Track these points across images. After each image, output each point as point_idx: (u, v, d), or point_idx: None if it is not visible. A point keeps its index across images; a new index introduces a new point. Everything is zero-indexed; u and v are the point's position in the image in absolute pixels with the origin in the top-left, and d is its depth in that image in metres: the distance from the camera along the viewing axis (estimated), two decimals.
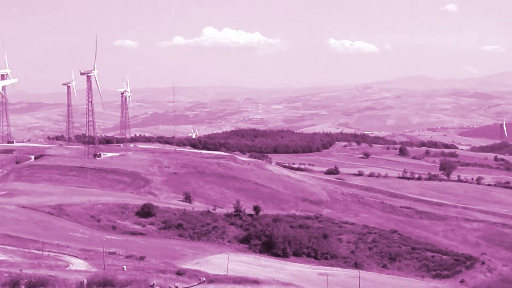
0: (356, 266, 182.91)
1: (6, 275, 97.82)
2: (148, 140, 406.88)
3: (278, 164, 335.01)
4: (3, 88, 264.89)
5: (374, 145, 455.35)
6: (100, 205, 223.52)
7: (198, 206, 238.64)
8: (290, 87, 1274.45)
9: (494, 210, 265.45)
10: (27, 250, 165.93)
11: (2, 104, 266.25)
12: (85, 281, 61.14)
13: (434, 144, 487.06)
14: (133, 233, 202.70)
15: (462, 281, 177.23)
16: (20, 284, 56.96)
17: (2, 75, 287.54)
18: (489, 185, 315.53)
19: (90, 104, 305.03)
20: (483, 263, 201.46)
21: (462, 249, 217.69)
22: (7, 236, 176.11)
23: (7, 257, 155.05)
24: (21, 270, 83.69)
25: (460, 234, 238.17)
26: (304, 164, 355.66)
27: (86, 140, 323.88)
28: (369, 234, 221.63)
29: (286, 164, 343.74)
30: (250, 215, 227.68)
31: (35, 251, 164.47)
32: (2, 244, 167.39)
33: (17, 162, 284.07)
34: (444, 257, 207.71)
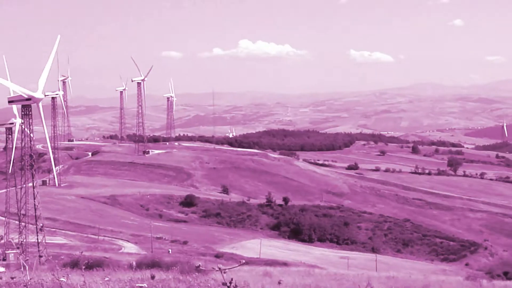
0: (373, 250, 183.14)
1: (63, 257, 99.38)
2: (190, 139, 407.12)
3: (304, 160, 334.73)
4: (64, 93, 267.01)
5: (389, 144, 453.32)
6: (148, 196, 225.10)
7: (234, 197, 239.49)
8: (315, 93, 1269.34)
9: (495, 202, 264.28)
10: (85, 235, 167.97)
11: (63, 107, 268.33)
12: (134, 263, 62.20)
13: (442, 143, 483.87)
14: (177, 221, 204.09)
15: (467, 264, 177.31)
16: (80, 264, 58.03)
17: (64, 81, 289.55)
18: (491, 179, 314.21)
19: (140, 107, 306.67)
20: (485, 248, 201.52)
21: (467, 236, 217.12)
22: (68, 223, 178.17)
23: (68, 240, 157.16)
24: (81, 252, 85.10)
25: (465, 223, 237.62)
26: (327, 161, 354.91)
27: (136, 139, 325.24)
28: (385, 223, 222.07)
29: (312, 161, 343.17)
30: (280, 205, 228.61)
31: (92, 236, 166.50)
32: (63, 230, 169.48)
33: (76, 158, 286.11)
34: (451, 243, 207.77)
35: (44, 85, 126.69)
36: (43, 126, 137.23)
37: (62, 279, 19.26)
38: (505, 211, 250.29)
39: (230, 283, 10.38)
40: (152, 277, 26.12)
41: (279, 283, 27.07)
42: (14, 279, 14.27)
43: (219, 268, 10.88)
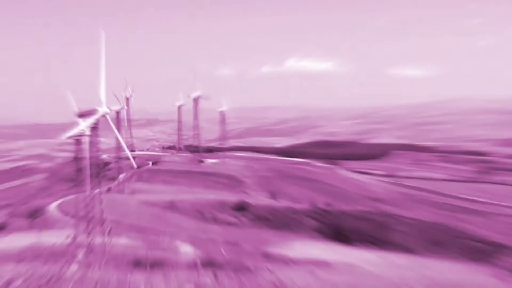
0: (409, 251, 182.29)
1: (127, 256, 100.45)
2: (242, 149, 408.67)
3: (346, 168, 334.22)
4: (128, 108, 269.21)
5: (423, 153, 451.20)
6: (204, 201, 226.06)
7: (281, 202, 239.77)
8: (355, 106, 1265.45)
9: None
10: (146, 237, 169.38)
11: (126, 121, 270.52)
12: (196, 261, 62.86)
13: (474, 153, 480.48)
14: (230, 224, 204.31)
15: (497, 265, 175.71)
16: (142, 263, 58.83)
17: (127, 98, 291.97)
18: None
19: (196, 120, 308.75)
20: None
21: (497, 238, 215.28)
22: (131, 225, 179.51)
23: (132, 241, 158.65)
24: (147, 252, 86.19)
25: (496, 227, 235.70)
26: (366, 169, 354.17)
27: (193, 149, 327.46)
28: (420, 226, 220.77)
29: (353, 169, 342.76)
30: (324, 209, 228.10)
31: (153, 237, 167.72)
32: (128, 232, 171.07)
33: (138, 167, 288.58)
34: (482, 244, 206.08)
35: (105, 100, 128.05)
36: (115, 134, 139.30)
37: (127, 277, 19.62)
38: None
39: (280, 285, 10.63)
40: (214, 275, 26.41)
41: (322, 280, 27.21)
42: (84, 277, 14.63)
43: (268, 269, 11.08)
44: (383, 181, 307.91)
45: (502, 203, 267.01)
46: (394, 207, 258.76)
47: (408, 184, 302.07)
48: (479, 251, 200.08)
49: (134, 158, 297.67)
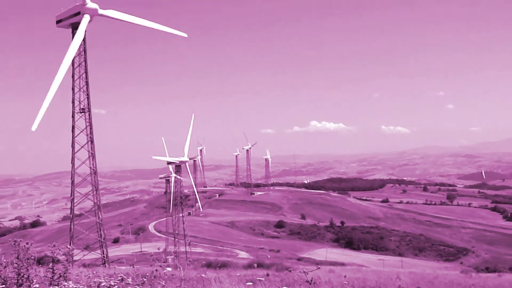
0: (400, 255, 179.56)
1: (201, 260, 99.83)
2: (280, 185, 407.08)
3: (354, 197, 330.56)
4: (201, 157, 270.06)
5: (408, 185, 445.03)
6: (254, 221, 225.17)
7: (308, 221, 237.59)
8: (359, 153, 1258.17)
9: (478, 222, 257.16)
10: (215, 246, 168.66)
11: (201, 166, 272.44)
12: (252, 264, 62.40)
13: (443, 184, 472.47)
14: (273, 237, 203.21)
15: (461, 263, 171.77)
16: (212, 265, 58.32)
17: (201, 150, 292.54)
18: (475, 207, 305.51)
19: (248, 165, 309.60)
20: (473, 252, 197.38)
21: (461, 244, 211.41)
22: (204, 239, 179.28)
23: (204, 250, 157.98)
24: (215, 257, 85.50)
25: (459, 236, 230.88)
26: (368, 197, 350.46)
27: (246, 185, 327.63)
28: (407, 236, 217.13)
29: (358, 197, 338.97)
30: (338, 226, 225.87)
31: (219, 247, 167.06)
32: (201, 243, 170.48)
33: (209, 198, 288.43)
34: (450, 249, 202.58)
35: (188, 153, 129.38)
36: (190, 178, 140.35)
37: (202, 275, 19.50)
38: (485, 227, 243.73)
39: (311, 280, 10.39)
40: (267, 274, 26.21)
41: (345, 276, 26.83)
42: (174, 275, 14.53)
43: (303, 271, 10.86)
44: (380, 205, 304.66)
45: (463, 219, 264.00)
46: (388, 223, 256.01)
47: (398, 207, 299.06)
48: (449, 253, 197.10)
49: (206, 191, 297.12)
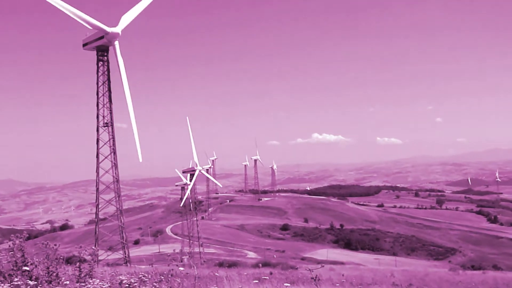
0: (394, 254, 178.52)
1: (214, 260, 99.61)
2: (285, 191, 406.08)
3: (352, 202, 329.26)
4: (213, 166, 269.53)
5: (401, 191, 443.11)
6: (262, 224, 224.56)
7: (311, 224, 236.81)
8: (357, 162, 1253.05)
9: (465, 224, 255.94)
10: (226, 247, 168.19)
11: (212, 174, 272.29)
12: (259, 264, 62.07)
13: (432, 190, 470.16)
14: (278, 239, 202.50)
15: (449, 261, 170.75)
16: (224, 264, 58.15)
17: (213, 160, 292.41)
18: (462, 211, 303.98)
19: (256, 173, 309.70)
20: (460, 252, 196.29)
21: (449, 244, 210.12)
22: (216, 241, 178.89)
23: (216, 251, 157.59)
24: (226, 257, 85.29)
25: (448, 237, 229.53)
26: (365, 202, 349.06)
27: (254, 191, 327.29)
28: (400, 238, 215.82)
29: (356, 202, 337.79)
30: (338, 228, 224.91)
31: (230, 248, 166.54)
32: (214, 245, 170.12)
33: (220, 203, 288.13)
34: (439, 248, 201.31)
35: (198, 161, 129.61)
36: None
37: (215, 273, 19.45)
38: (471, 229, 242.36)
39: (316, 277, 10.37)
40: (270, 273, 26.12)
41: (343, 275, 26.70)
42: (188, 273, 14.48)
43: (309, 269, 10.84)
44: (376, 209, 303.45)
45: (451, 222, 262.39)
46: (383, 226, 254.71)
47: (392, 211, 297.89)
48: (438, 253, 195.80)
49: (217, 197, 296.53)
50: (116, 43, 64.88)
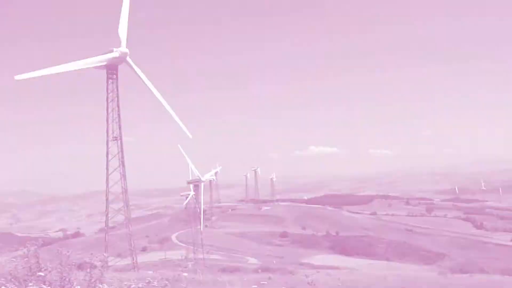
0: (386, 259, 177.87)
1: (217, 265, 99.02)
2: (284, 200, 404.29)
3: (347, 210, 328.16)
4: (216, 177, 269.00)
5: (393, 200, 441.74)
6: (262, 232, 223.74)
7: (308, 231, 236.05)
8: (351, 174, 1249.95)
9: (453, 230, 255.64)
10: (228, 254, 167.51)
11: (213, 185, 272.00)
12: (258, 269, 61.94)
13: (422, 199, 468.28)
14: (278, 245, 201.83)
15: (439, 265, 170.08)
16: (226, 269, 57.97)
17: (216, 172, 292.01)
18: (450, 218, 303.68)
19: (256, 184, 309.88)
20: (448, 256, 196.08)
21: (438, 250, 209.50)
22: (219, 247, 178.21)
23: (220, 257, 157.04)
24: (229, 263, 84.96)
25: (437, 242, 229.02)
26: (359, 210, 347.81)
27: (255, 201, 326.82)
28: (392, 243, 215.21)
29: (351, 211, 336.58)
30: (334, 235, 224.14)
31: (232, 254, 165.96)
32: (217, 251, 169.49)
33: (223, 212, 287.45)
34: (429, 253, 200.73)
35: (200, 174, 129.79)
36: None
37: (218, 278, 19.45)
38: (459, 235, 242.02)
39: (312, 282, 10.38)
40: (269, 278, 26.08)
41: (334, 278, 26.68)
42: (193, 278, 14.47)
43: (305, 275, 10.85)
44: (369, 217, 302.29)
45: (440, 229, 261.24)
46: (377, 233, 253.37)
47: (384, 218, 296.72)
48: (428, 258, 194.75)
49: (220, 207, 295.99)
50: (128, 58, 65.31)
